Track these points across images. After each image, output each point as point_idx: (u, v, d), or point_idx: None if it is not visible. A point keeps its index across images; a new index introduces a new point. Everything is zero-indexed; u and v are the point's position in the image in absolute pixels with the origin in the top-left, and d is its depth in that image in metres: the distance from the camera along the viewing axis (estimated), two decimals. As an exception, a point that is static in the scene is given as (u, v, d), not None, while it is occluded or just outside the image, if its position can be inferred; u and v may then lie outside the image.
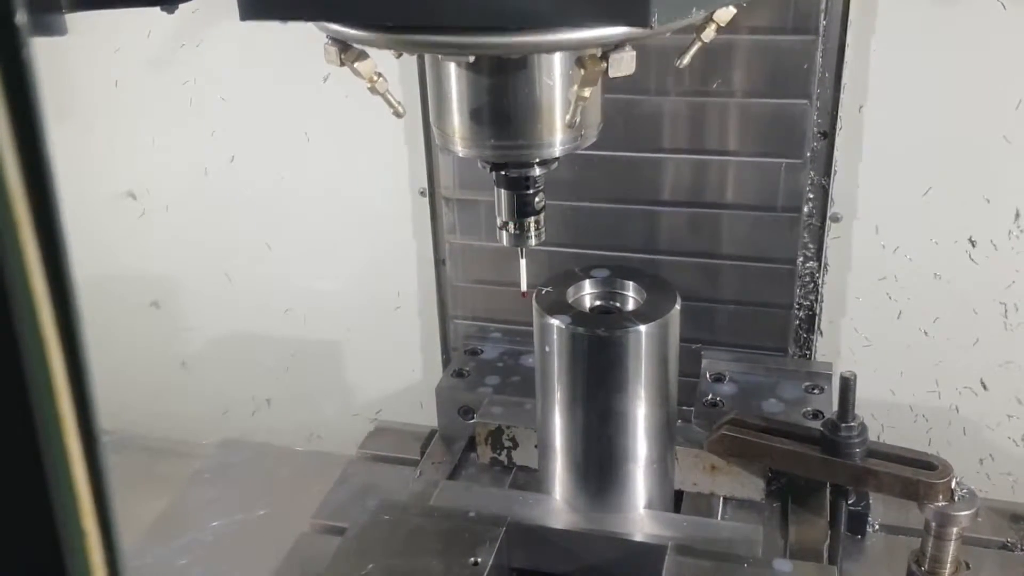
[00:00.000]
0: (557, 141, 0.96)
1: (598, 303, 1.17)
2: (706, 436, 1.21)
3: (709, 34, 0.92)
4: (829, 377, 1.39)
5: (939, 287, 1.45)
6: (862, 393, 1.54)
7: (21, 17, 0.23)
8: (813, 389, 1.35)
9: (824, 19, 1.30)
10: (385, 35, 0.85)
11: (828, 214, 1.41)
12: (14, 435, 0.26)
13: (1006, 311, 1.44)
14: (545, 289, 1.15)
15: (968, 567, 1.16)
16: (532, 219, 1.04)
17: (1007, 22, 1.28)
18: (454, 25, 0.81)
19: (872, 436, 1.56)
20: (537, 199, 1.03)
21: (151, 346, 1.91)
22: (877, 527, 1.28)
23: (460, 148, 0.98)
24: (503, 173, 1.01)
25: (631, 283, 1.16)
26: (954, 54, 1.32)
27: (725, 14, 0.91)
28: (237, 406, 1.91)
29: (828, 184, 1.39)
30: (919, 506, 1.08)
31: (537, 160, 0.99)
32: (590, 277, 1.17)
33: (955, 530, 1.07)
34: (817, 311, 1.47)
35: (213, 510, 1.43)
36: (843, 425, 1.11)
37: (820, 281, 1.45)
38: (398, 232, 1.66)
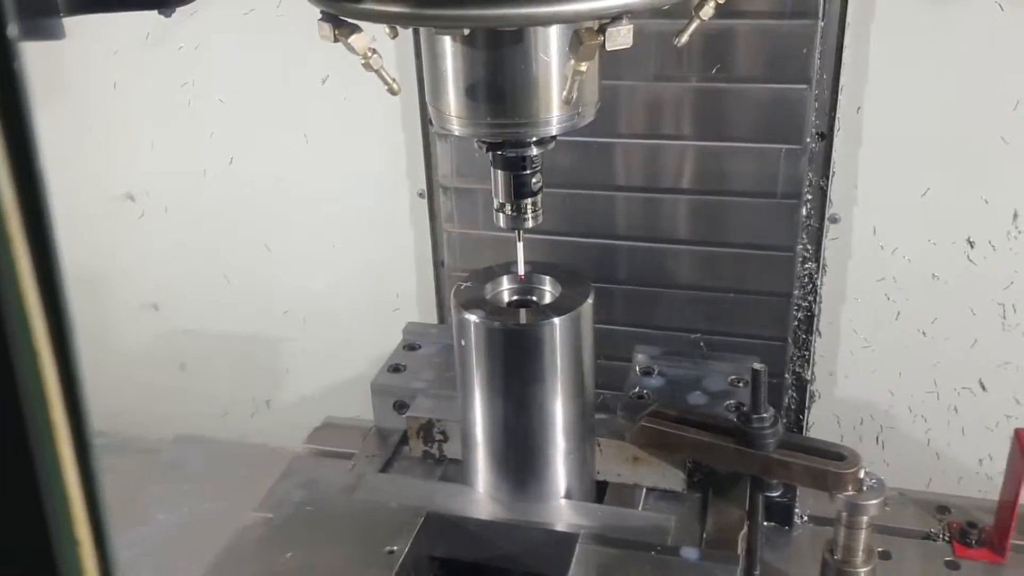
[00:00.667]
0: (554, 119, 0.95)
1: (515, 298, 1.19)
2: (629, 428, 1.23)
3: (707, 11, 0.92)
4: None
5: (937, 288, 1.45)
6: (861, 393, 1.55)
7: (13, 29, 0.23)
8: (738, 382, 1.36)
9: (824, 1, 1.29)
10: (378, 7, 0.84)
11: (826, 215, 1.41)
12: (7, 444, 0.26)
13: (1004, 312, 1.44)
14: (464, 284, 1.16)
15: (890, 556, 1.22)
16: (529, 200, 1.04)
17: (1005, 23, 1.28)
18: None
19: (871, 437, 1.58)
20: (534, 180, 1.03)
21: (150, 348, 1.91)
22: (806, 518, 1.31)
23: (456, 127, 0.97)
24: (500, 153, 1.01)
25: (547, 277, 1.17)
26: (952, 55, 1.32)
27: None
28: (236, 407, 1.91)
29: (826, 185, 1.39)
30: (830, 496, 1.10)
31: (534, 139, 0.98)
32: (509, 272, 1.19)
33: (865, 519, 1.09)
34: (816, 312, 1.47)
35: (165, 505, 1.45)
36: (755, 417, 1.12)
37: (819, 282, 1.45)
38: (397, 234, 1.66)
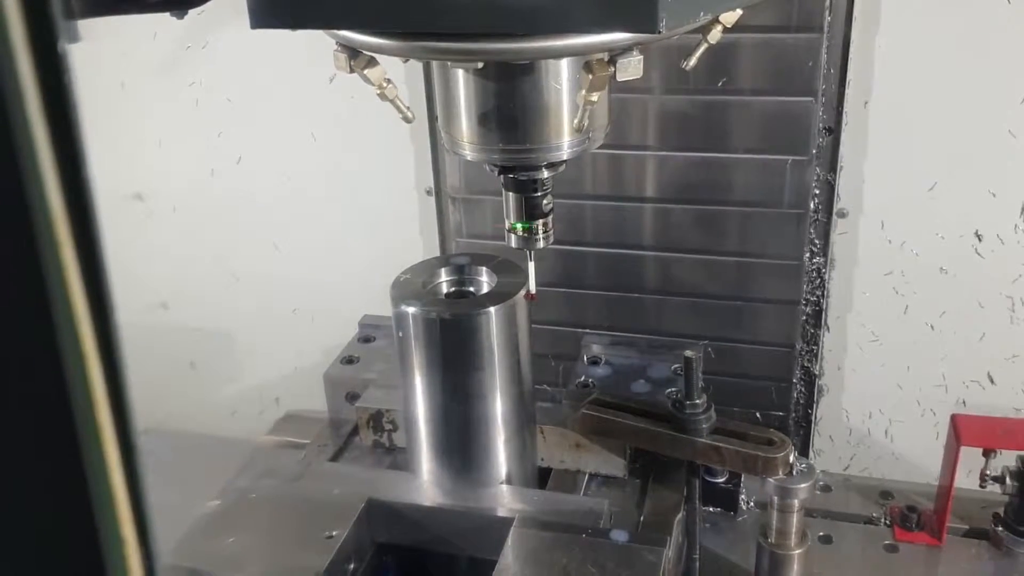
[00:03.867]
0: (565, 144, 0.97)
1: (453, 289, 1.20)
2: (572, 415, 1.25)
3: (715, 35, 0.93)
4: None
5: (945, 281, 1.45)
6: (870, 387, 1.56)
7: (63, 45, 0.23)
8: (681, 371, 1.37)
9: (829, 15, 1.30)
10: (394, 42, 0.85)
11: (834, 210, 1.42)
12: (57, 445, 0.27)
13: (1013, 305, 1.44)
14: (404, 276, 1.17)
15: (831, 540, 1.25)
16: (540, 221, 1.05)
17: (1011, 16, 1.28)
18: (462, 32, 0.81)
19: (880, 431, 1.58)
20: (545, 201, 1.04)
21: (160, 347, 1.91)
22: (752, 504, 1.33)
23: (468, 152, 0.99)
24: (511, 176, 1.02)
25: (484, 268, 1.19)
26: (958, 49, 1.32)
27: (731, 16, 0.91)
28: (245, 406, 1.92)
29: (834, 180, 1.40)
30: (762, 481, 1.12)
31: (545, 163, 0.99)
32: (446, 265, 1.20)
33: (796, 502, 1.11)
34: (824, 306, 1.48)
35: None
36: (688, 403, 1.14)
37: (827, 276, 1.46)
38: (405, 231, 1.66)
